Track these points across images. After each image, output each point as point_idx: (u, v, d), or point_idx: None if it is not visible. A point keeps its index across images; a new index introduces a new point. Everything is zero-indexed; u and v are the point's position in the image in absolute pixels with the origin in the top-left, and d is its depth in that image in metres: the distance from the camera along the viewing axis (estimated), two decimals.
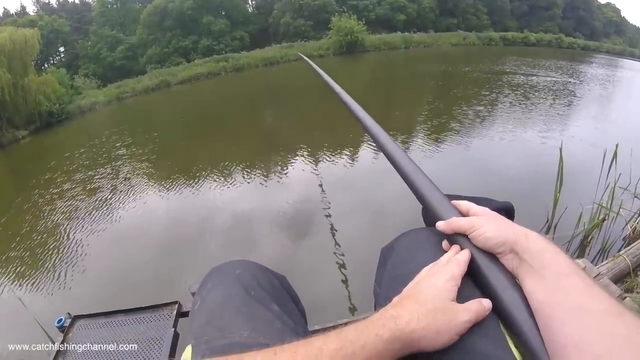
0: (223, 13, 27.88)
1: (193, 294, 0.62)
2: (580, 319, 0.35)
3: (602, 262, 1.82)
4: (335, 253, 2.69)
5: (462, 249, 0.49)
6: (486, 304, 0.43)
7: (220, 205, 3.90)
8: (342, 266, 2.52)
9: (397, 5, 27.70)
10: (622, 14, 43.86)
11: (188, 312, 0.59)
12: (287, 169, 4.67)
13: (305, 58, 3.65)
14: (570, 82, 9.13)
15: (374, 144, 0.87)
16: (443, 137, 5.02)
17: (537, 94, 7.45)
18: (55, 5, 31.70)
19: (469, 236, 0.48)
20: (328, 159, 4.70)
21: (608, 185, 2.43)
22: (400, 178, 0.67)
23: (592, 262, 1.86)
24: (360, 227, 2.99)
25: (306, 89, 10.63)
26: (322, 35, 23.98)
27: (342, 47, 21.30)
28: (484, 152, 4.41)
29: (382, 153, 0.78)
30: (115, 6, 30.04)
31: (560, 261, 0.41)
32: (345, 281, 2.39)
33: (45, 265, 3.36)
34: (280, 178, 4.36)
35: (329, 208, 3.42)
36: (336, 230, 3.02)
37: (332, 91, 1.43)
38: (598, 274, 1.61)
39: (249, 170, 4.72)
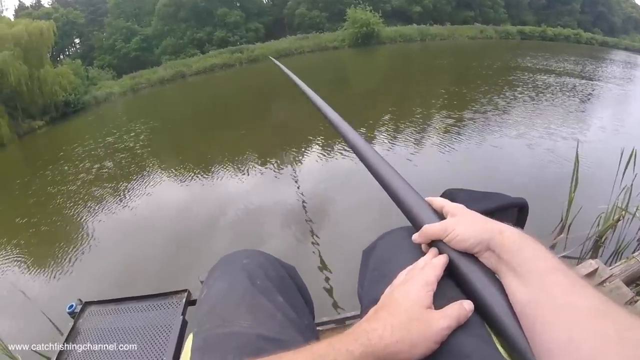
0: (238, 4, 27.86)
1: (202, 282, 0.63)
2: (565, 319, 0.34)
3: (615, 263, 1.79)
4: (341, 246, 2.70)
5: (440, 251, 0.48)
6: (467, 305, 0.42)
7: (232, 196, 3.93)
8: (350, 259, 2.52)
9: None
10: None
11: (196, 300, 0.60)
12: (302, 160, 4.70)
13: (276, 61, 3.68)
14: (588, 80, 8.91)
15: (349, 148, 0.86)
16: (457, 134, 4.96)
17: (553, 91, 7.29)
18: None
19: (444, 241, 0.47)
20: (343, 152, 4.66)
21: (624, 186, 2.38)
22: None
23: (605, 263, 1.83)
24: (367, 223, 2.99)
25: (320, 79, 10.58)
26: (337, 27, 23.75)
27: (358, 39, 21.04)
28: (498, 151, 4.34)
29: (357, 157, 0.76)
30: None
31: (540, 257, 0.39)
32: (350, 276, 2.39)
33: (56, 254, 3.44)
34: (294, 170, 4.38)
35: (340, 202, 3.43)
36: (347, 223, 3.03)
37: (302, 93, 1.41)
38: (611, 275, 1.59)
39: (262, 162, 4.75)
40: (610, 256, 2.30)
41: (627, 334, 0.30)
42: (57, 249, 3.50)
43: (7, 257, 3.59)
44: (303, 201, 3.53)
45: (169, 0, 26.78)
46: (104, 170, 5.66)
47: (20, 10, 27.92)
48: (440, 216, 0.52)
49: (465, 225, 0.46)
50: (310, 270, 2.48)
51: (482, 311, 0.42)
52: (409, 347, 0.39)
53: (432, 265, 0.46)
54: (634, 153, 2.36)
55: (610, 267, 1.68)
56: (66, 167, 6.22)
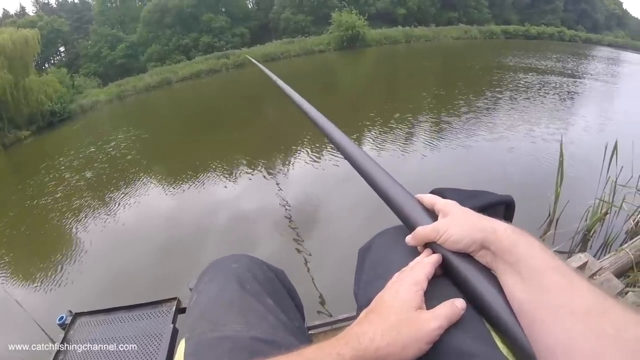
0: (223, 10, 27.84)
1: (191, 290, 0.62)
2: (565, 318, 0.33)
3: (604, 256, 1.82)
4: (332, 249, 2.70)
5: (434, 251, 0.48)
6: (459, 304, 0.41)
7: (220, 202, 3.91)
8: (341, 262, 2.52)
9: None
10: (624, 6, 43.69)
11: (186, 308, 0.59)
12: (291, 163, 4.69)
13: (254, 60, 3.62)
14: (571, 76, 9.05)
15: (335, 149, 0.85)
16: (443, 133, 5.01)
17: (537, 89, 7.38)
18: (55, 5, 31.74)
19: (437, 242, 0.47)
20: (332, 154, 4.66)
21: (609, 180, 2.41)
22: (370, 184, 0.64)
23: (594, 256, 1.86)
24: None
25: (305, 83, 10.61)
26: (322, 31, 23.86)
27: (343, 42, 21.15)
28: (485, 147, 4.39)
29: (346, 160, 0.74)
30: (114, 5, 30.04)
31: (535, 255, 0.39)
32: (342, 278, 2.38)
33: (44, 265, 3.38)
34: (283, 175, 4.36)
35: (330, 203, 3.42)
36: (338, 225, 3.02)
37: (285, 95, 1.40)
38: (600, 268, 1.61)
39: (250, 166, 4.73)
40: (599, 249, 2.33)
41: (626, 333, 0.30)
42: (45, 261, 3.44)
43: None
44: (292, 204, 3.51)
45: (154, 7, 26.67)
46: (88, 181, 5.59)
47: (5, 19, 27.57)
48: (432, 214, 0.51)
49: (457, 226, 0.45)
50: (300, 274, 2.47)
51: (480, 308, 0.42)
52: (400, 349, 0.38)
53: (421, 265, 0.45)
54: (617, 146, 2.40)
55: (599, 260, 1.70)
56: (47, 179, 6.11)
